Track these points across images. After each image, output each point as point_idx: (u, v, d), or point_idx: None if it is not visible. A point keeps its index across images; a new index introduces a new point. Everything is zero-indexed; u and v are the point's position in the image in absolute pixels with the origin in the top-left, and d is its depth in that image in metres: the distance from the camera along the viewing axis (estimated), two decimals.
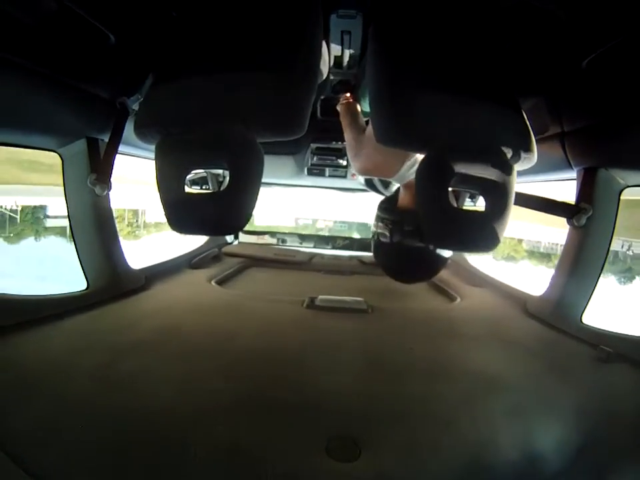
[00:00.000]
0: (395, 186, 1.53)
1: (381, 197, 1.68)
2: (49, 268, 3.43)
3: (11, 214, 4.77)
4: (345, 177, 2.43)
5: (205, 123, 0.98)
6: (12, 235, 4.84)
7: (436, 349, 1.35)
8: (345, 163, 2.34)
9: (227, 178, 0.99)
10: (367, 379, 1.10)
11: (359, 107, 1.61)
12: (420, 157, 1.08)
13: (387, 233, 1.19)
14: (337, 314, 1.61)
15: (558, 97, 1.39)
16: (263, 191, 1.00)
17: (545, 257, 6.31)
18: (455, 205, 1.18)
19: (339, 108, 1.68)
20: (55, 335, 1.21)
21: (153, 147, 1.03)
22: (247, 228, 2.78)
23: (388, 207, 1.24)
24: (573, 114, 1.39)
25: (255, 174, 0.98)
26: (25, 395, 0.90)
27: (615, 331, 1.33)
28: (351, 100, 1.69)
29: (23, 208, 4.94)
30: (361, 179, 2.19)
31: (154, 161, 1.01)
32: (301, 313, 1.63)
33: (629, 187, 1.39)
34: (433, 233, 1.08)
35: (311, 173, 2.43)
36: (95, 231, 1.54)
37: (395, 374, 1.14)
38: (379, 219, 1.24)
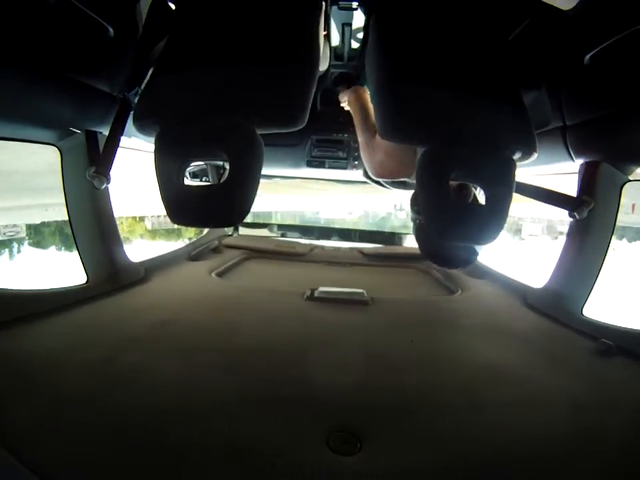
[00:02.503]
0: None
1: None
2: None
3: None
4: (345, 168, 2.42)
5: (205, 115, 0.97)
6: None
7: (437, 340, 1.35)
8: (345, 154, 2.33)
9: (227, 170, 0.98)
10: (367, 371, 1.10)
11: (368, 98, 1.51)
12: None
13: (421, 225, 1.30)
14: (337, 305, 1.61)
15: (560, 91, 1.38)
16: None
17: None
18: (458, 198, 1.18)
19: (344, 102, 1.63)
20: (54, 328, 1.21)
21: (151, 139, 1.02)
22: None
23: (416, 204, 1.30)
24: (574, 108, 1.38)
25: (255, 166, 0.97)
26: (24, 389, 0.90)
27: (615, 323, 1.34)
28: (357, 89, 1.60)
29: None
30: (361, 170, 2.18)
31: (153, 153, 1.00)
32: (302, 305, 1.62)
33: (630, 181, 1.38)
34: (433, 225, 1.08)
35: (310, 164, 2.42)
36: (94, 224, 1.53)
37: (396, 366, 1.14)
38: (412, 213, 1.33)
